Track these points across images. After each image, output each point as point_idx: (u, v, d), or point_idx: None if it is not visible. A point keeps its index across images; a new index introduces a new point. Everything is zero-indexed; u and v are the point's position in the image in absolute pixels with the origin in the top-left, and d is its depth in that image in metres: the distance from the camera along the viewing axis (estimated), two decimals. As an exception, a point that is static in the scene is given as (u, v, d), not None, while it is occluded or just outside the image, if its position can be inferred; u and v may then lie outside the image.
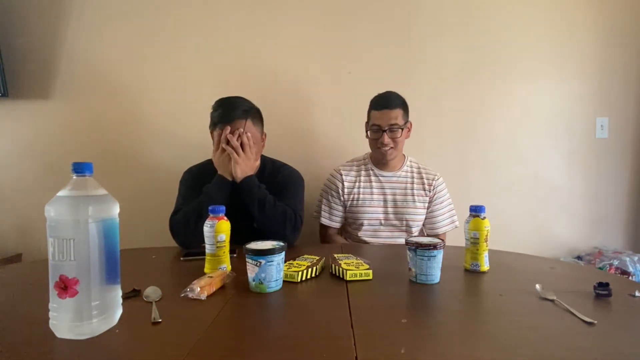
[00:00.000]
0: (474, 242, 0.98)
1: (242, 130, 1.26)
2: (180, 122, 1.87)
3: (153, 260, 1.14)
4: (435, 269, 0.89)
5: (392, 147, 1.44)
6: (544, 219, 1.95)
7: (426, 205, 1.52)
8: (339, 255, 1.06)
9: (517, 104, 1.92)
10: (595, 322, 0.67)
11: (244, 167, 1.26)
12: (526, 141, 1.93)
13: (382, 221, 1.50)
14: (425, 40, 1.88)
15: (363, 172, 1.55)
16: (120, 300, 0.69)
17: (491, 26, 1.89)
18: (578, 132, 1.93)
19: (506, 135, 1.92)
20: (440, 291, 0.86)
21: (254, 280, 0.83)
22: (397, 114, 1.42)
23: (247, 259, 0.84)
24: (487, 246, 0.98)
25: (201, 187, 1.26)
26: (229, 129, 1.26)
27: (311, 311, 0.77)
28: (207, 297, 0.79)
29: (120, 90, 1.86)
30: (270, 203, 1.24)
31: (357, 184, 1.53)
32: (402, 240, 1.13)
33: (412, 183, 1.52)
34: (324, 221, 1.56)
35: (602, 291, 0.80)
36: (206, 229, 0.94)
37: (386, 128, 1.42)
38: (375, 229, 1.50)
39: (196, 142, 1.79)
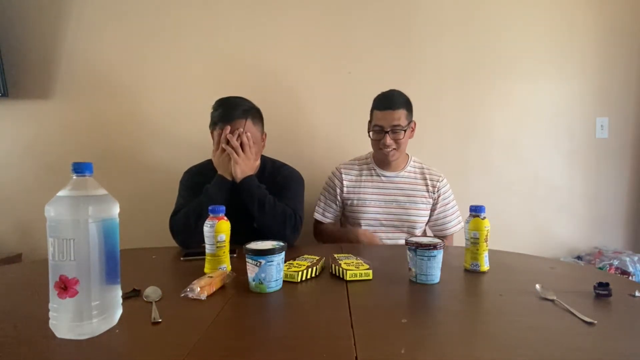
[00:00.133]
0: (474, 242, 0.98)
1: (242, 130, 1.26)
2: (180, 122, 1.87)
3: (153, 260, 1.14)
4: (435, 269, 0.89)
5: (394, 149, 1.43)
6: (544, 219, 1.95)
7: (429, 207, 1.51)
8: (339, 255, 1.06)
9: (517, 104, 1.92)
10: (595, 322, 0.67)
11: (244, 167, 1.26)
12: (526, 141, 1.93)
13: (383, 222, 1.49)
14: (425, 40, 1.88)
15: (365, 172, 1.54)
16: (120, 300, 0.69)
17: (491, 26, 1.89)
18: (578, 132, 1.93)
19: (506, 135, 1.92)
20: (440, 291, 0.86)
21: (254, 280, 0.83)
22: (400, 115, 1.39)
23: (247, 259, 0.84)
24: (487, 246, 0.98)
25: (201, 187, 1.26)
26: (229, 128, 1.26)
27: (311, 311, 0.77)
28: (207, 297, 0.79)
29: (120, 90, 1.86)
30: (270, 203, 1.24)
31: (358, 183, 1.52)
32: (402, 242, 1.13)
33: (415, 184, 1.51)
34: (317, 216, 1.57)
35: (602, 291, 0.80)
36: (206, 229, 0.94)
37: (389, 129, 1.40)
38: (376, 230, 1.50)
39: (196, 142, 1.79)
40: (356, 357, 0.56)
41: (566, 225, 1.95)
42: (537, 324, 0.68)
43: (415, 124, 1.48)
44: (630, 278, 1.60)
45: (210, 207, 0.95)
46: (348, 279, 0.90)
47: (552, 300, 0.77)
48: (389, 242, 1.49)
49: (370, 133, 1.47)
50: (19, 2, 1.82)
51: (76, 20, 1.84)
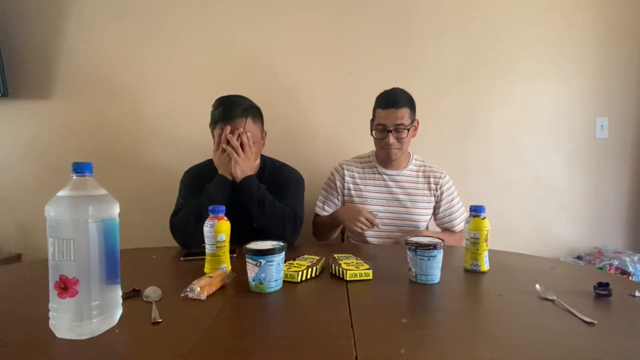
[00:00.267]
0: (474, 242, 0.98)
1: (242, 130, 1.26)
2: (180, 122, 1.87)
3: (153, 260, 1.13)
4: (435, 269, 0.89)
5: (397, 148, 1.42)
6: (544, 219, 1.95)
7: (431, 205, 1.51)
8: (339, 255, 1.06)
9: (517, 104, 1.92)
10: (595, 322, 0.67)
11: (244, 167, 1.26)
12: (526, 141, 1.93)
13: (385, 220, 1.49)
14: (425, 40, 1.88)
15: (367, 170, 1.53)
16: (120, 300, 0.69)
17: (491, 26, 1.89)
18: (578, 132, 1.93)
19: (506, 135, 1.92)
20: (440, 291, 0.86)
21: (254, 280, 0.83)
22: (403, 114, 1.38)
23: (247, 259, 0.84)
24: (487, 246, 0.98)
25: (201, 187, 1.26)
26: (229, 129, 1.26)
27: (311, 311, 0.77)
28: (207, 297, 0.79)
29: (120, 90, 1.86)
30: (269, 203, 1.24)
31: (360, 181, 1.52)
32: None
33: (417, 182, 1.50)
34: (317, 210, 1.55)
35: (602, 291, 0.80)
36: (206, 229, 0.94)
37: (392, 128, 1.39)
38: (377, 228, 1.49)
39: (196, 142, 1.79)
40: (356, 357, 0.56)
41: (566, 225, 1.95)
42: (537, 324, 0.68)
43: (418, 122, 1.48)
44: (630, 278, 1.60)
45: (210, 207, 0.95)
46: (348, 279, 0.90)
47: (552, 300, 0.77)
48: (390, 241, 1.48)
49: (373, 132, 1.46)
50: (19, 2, 1.82)
51: (76, 20, 1.84)
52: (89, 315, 0.61)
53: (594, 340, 0.64)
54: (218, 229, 0.93)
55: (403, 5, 1.87)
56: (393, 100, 1.40)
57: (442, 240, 0.92)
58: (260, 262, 0.82)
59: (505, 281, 0.94)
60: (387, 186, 1.50)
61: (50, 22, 1.83)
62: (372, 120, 1.48)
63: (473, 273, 0.98)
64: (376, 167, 1.53)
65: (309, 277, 0.93)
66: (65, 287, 0.60)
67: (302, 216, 1.32)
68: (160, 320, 0.68)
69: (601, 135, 1.93)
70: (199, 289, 0.79)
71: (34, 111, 1.86)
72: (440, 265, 0.90)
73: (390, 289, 0.87)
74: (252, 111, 1.31)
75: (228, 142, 1.25)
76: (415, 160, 1.55)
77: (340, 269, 0.93)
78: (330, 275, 0.96)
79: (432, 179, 1.50)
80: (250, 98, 1.35)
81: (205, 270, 0.95)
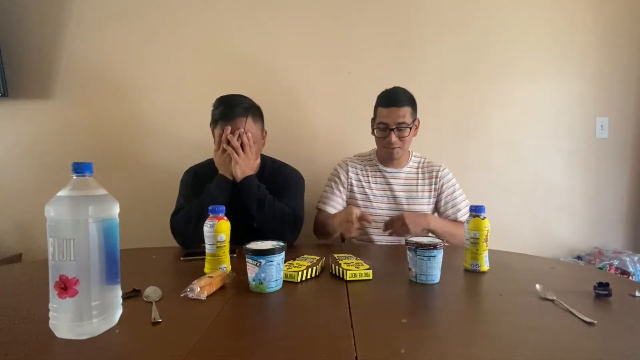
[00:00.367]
0: (474, 242, 0.98)
1: (242, 130, 1.26)
2: (180, 122, 1.87)
3: (153, 260, 1.13)
4: (435, 269, 0.89)
5: (399, 147, 1.42)
6: (544, 219, 1.95)
7: (433, 201, 1.50)
8: (339, 255, 1.06)
9: (517, 104, 1.92)
10: (595, 322, 0.67)
11: (244, 167, 1.26)
12: (526, 141, 1.93)
13: (386, 218, 1.48)
14: (425, 40, 1.88)
15: (369, 168, 1.53)
16: (120, 300, 0.69)
17: (491, 26, 1.89)
18: (578, 132, 1.93)
19: (506, 135, 1.92)
20: (440, 291, 0.86)
21: (254, 280, 0.83)
22: (405, 112, 1.38)
23: (247, 259, 0.84)
24: (487, 246, 0.98)
25: (201, 187, 1.26)
26: (229, 129, 1.26)
27: (311, 311, 0.77)
28: (207, 297, 0.79)
29: (120, 90, 1.86)
30: (269, 203, 1.24)
31: (362, 179, 1.52)
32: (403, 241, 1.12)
33: (417, 179, 1.51)
34: (320, 205, 1.53)
35: (602, 291, 0.80)
36: (206, 229, 0.94)
37: (393, 127, 1.39)
38: (378, 226, 1.49)
39: (196, 142, 1.79)
40: (356, 357, 0.56)
41: (566, 225, 1.95)
42: (537, 324, 0.68)
43: (419, 121, 1.48)
44: (630, 278, 1.60)
45: (210, 207, 0.95)
46: (348, 279, 0.90)
47: (552, 300, 0.77)
48: (391, 238, 1.48)
49: (375, 131, 1.45)
50: (19, 2, 1.82)
51: (76, 20, 1.84)
52: (89, 315, 0.61)
53: (594, 340, 0.64)
54: (218, 229, 0.93)
55: (403, 5, 1.87)
56: (395, 98, 1.40)
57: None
58: (260, 262, 0.82)
59: (505, 281, 0.94)
60: (388, 184, 1.51)
61: (50, 22, 1.83)
62: (373, 119, 1.48)
63: (473, 273, 0.98)
64: (377, 165, 1.53)
65: (309, 277, 0.93)
66: (65, 287, 0.60)
67: (302, 216, 1.32)
68: (160, 320, 0.68)
69: (601, 135, 1.93)
70: (199, 289, 0.79)
71: (34, 111, 1.86)
72: (440, 265, 0.90)
73: (390, 289, 0.87)
74: (253, 110, 1.31)
75: (229, 142, 1.25)
76: (415, 157, 1.55)
77: (340, 269, 0.93)
78: (330, 275, 0.96)
79: (431, 172, 1.51)
80: (250, 98, 1.36)
81: (205, 270, 0.95)
